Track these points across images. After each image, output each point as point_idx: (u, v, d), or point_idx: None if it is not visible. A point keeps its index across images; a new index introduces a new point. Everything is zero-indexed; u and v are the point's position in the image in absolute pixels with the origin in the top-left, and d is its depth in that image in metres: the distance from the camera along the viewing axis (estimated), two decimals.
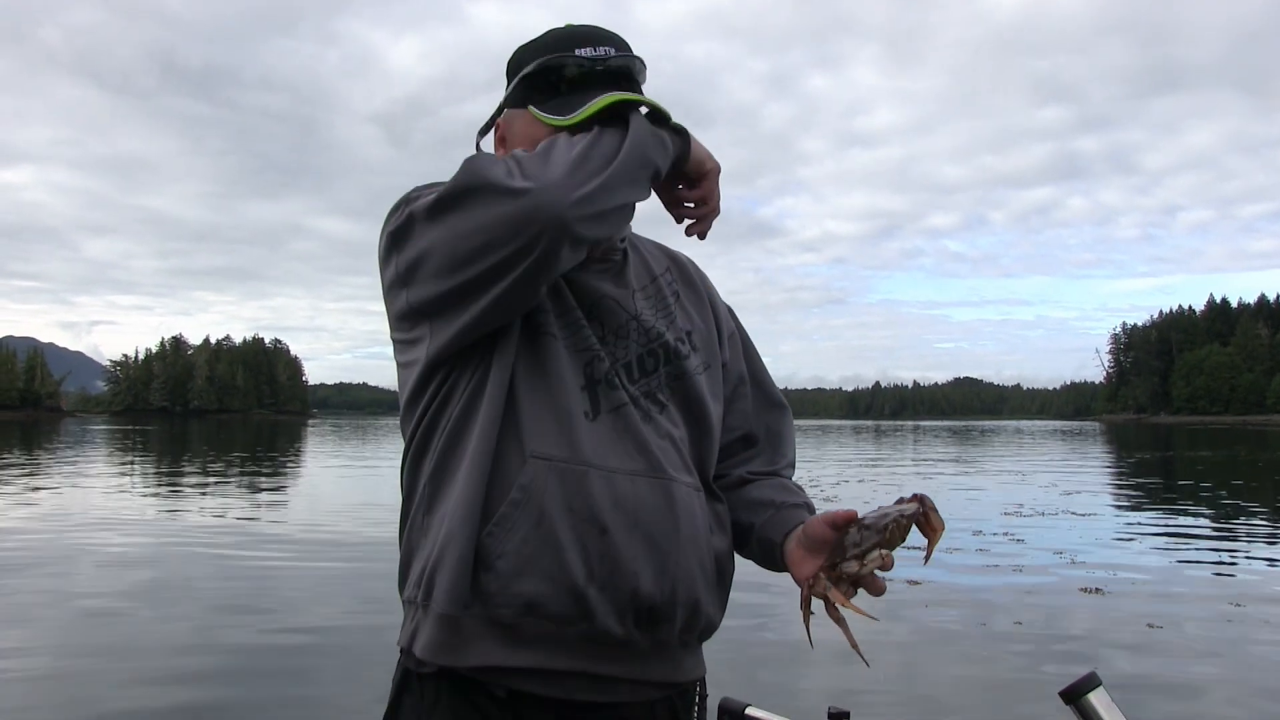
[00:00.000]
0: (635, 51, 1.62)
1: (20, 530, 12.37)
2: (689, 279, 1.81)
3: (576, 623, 1.49)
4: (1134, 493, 19.88)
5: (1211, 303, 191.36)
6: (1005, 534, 12.26)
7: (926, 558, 1.52)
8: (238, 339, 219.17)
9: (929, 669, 6.24)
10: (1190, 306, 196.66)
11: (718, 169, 1.64)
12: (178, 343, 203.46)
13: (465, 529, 1.48)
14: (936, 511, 1.49)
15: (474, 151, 1.70)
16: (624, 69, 1.57)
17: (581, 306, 1.59)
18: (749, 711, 1.84)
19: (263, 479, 22.15)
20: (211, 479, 21.96)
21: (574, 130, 1.50)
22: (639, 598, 1.50)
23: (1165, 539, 12.20)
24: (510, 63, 1.65)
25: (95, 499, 16.69)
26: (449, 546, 1.49)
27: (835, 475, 22.77)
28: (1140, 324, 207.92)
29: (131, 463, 29.58)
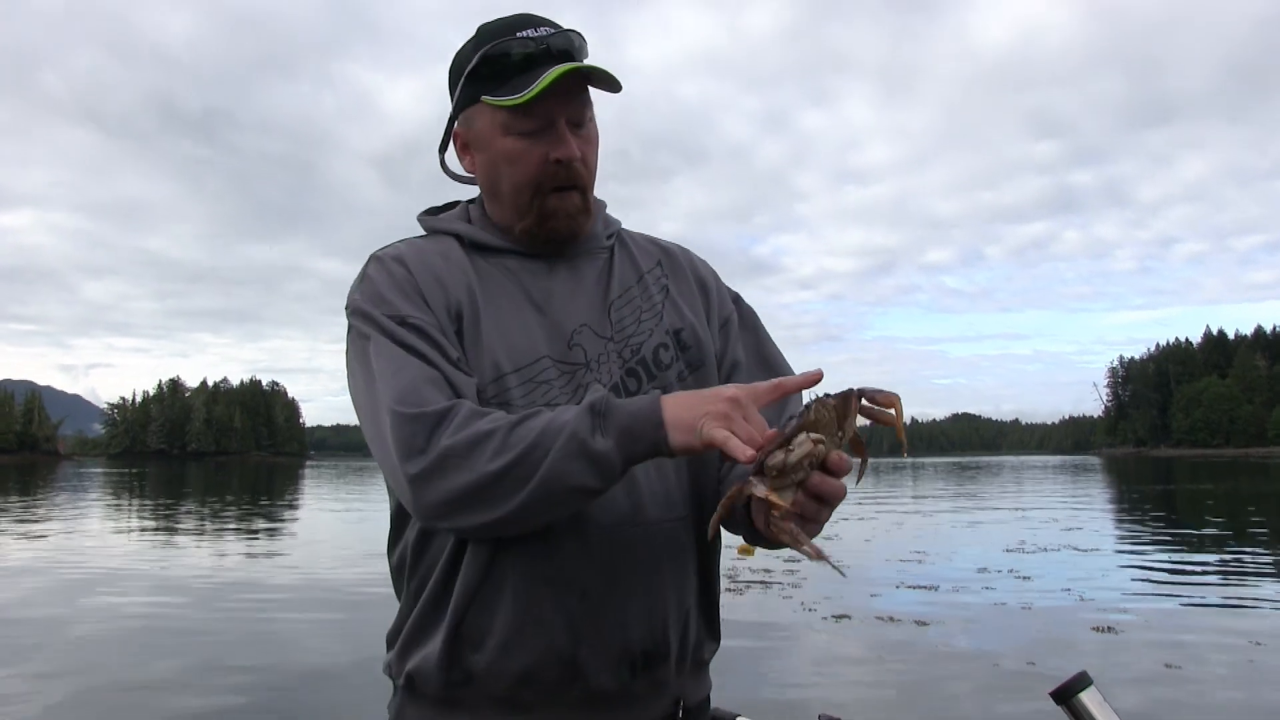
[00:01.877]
0: (597, 54, 1.62)
1: (14, 575, 12.21)
2: (679, 271, 1.75)
3: (571, 685, 1.48)
4: (1137, 527, 19.69)
5: (1209, 334, 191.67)
6: (1010, 571, 12.10)
7: (901, 442, 1.37)
8: (235, 381, 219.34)
9: (933, 694, 6.18)
10: (1187, 338, 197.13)
11: (711, 438, 1.33)
12: (175, 385, 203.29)
13: (444, 615, 1.50)
14: (882, 391, 1.35)
15: (441, 168, 1.72)
16: (566, 46, 1.56)
17: (557, 341, 1.57)
18: None
19: (259, 523, 21.97)
20: (208, 523, 21.80)
21: (531, 110, 1.51)
22: (630, 649, 1.49)
23: (1173, 574, 12.04)
24: (451, 70, 1.64)
25: (90, 543, 16.51)
26: (429, 638, 1.52)
27: (834, 513, 22.55)
28: (1138, 357, 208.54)
29: (128, 507, 29.39)
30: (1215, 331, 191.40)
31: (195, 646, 7.88)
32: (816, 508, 1.34)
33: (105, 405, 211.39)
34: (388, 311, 1.50)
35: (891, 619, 8.62)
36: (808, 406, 1.33)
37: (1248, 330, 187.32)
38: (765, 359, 1.77)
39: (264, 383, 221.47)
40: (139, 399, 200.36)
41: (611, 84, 1.56)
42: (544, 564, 1.46)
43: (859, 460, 1.38)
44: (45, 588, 11.25)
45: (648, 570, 1.50)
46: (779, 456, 1.31)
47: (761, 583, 10.81)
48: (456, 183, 1.73)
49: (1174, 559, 13.68)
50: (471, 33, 1.62)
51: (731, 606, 9.30)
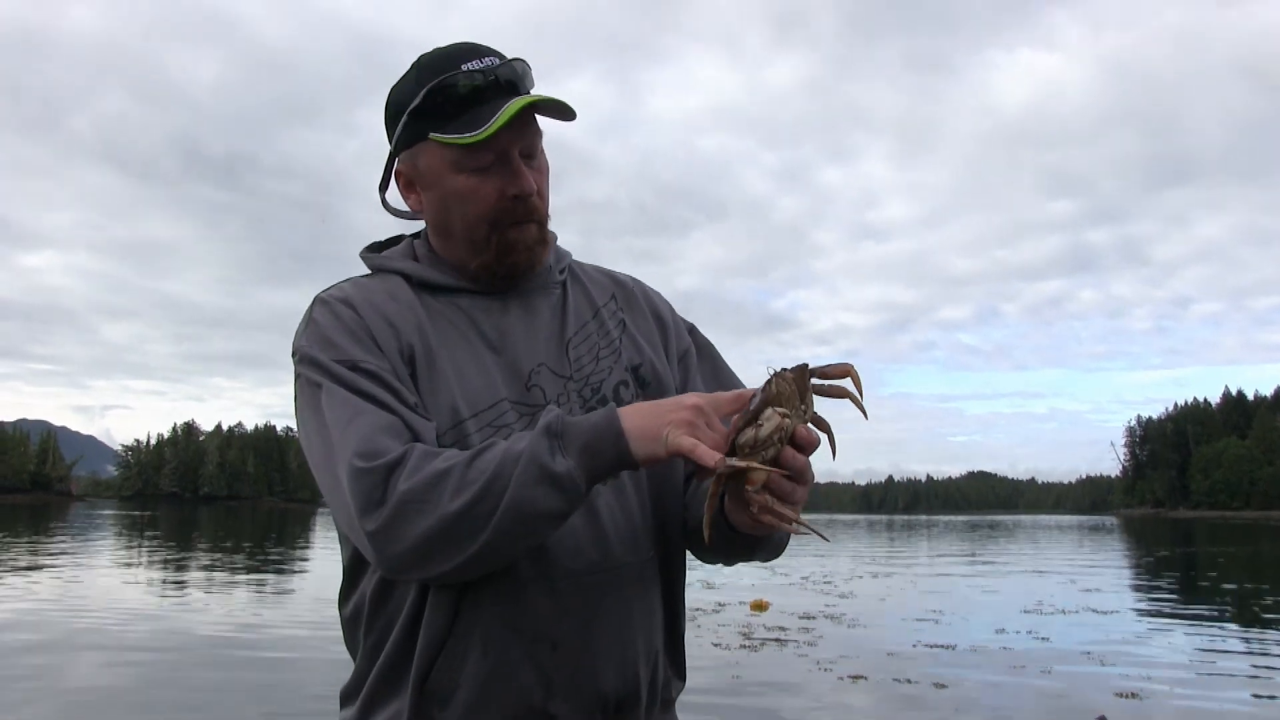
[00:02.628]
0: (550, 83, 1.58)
1: (13, 618, 12.08)
2: (634, 303, 1.72)
3: None
4: (1156, 589, 19.38)
5: (1227, 395, 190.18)
6: (1029, 632, 11.86)
7: (861, 408, 1.37)
8: (249, 426, 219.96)
9: None
10: (1206, 399, 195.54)
11: (678, 446, 1.31)
12: (190, 428, 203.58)
13: (408, 671, 1.43)
14: (834, 363, 1.36)
15: (383, 206, 1.67)
16: (512, 77, 1.51)
17: (515, 383, 1.52)
18: None
19: (269, 569, 21.86)
20: (217, 568, 21.69)
21: (484, 145, 1.46)
22: (603, 696, 1.45)
23: (1194, 638, 11.75)
24: (388, 107, 1.58)
25: (96, 586, 16.41)
26: (393, 695, 1.46)
27: (849, 571, 22.33)
28: (1156, 416, 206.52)
29: (136, 550, 29.33)
30: (1234, 392, 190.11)
31: (178, 695, 7.75)
32: (791, 485, 1.32)
33: (119, 447, 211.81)
34: (337, 357, 1.44)
35: (908, 680, 8.43)
36: (768, 381, 1.32)
37: (1267, 391, 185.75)
38: (726, 389, 1.69)
39: (278, 428, 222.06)
40: (153, 441, 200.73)
41: (565, 113, 1.51)
42: (513, 613, 1.41)
43: (825, 436, 1.36)
44: (42, 632, 11.11)
45: (618, 615, 1.46)
46: (749, 433, 1.30)
47: (776, 640, 10.62)
48: (400, 219, 1.69)
49: (1196, 623, 13.39)
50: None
51: (746, 664, 9.14)
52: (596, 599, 1.44)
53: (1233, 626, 13.10)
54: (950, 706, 7.46)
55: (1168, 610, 15.05)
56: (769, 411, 1.31)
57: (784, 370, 1.33)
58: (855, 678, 8.52)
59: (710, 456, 1.28)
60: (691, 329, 1.78)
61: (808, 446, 1.32)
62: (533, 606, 1.41)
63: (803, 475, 1.32)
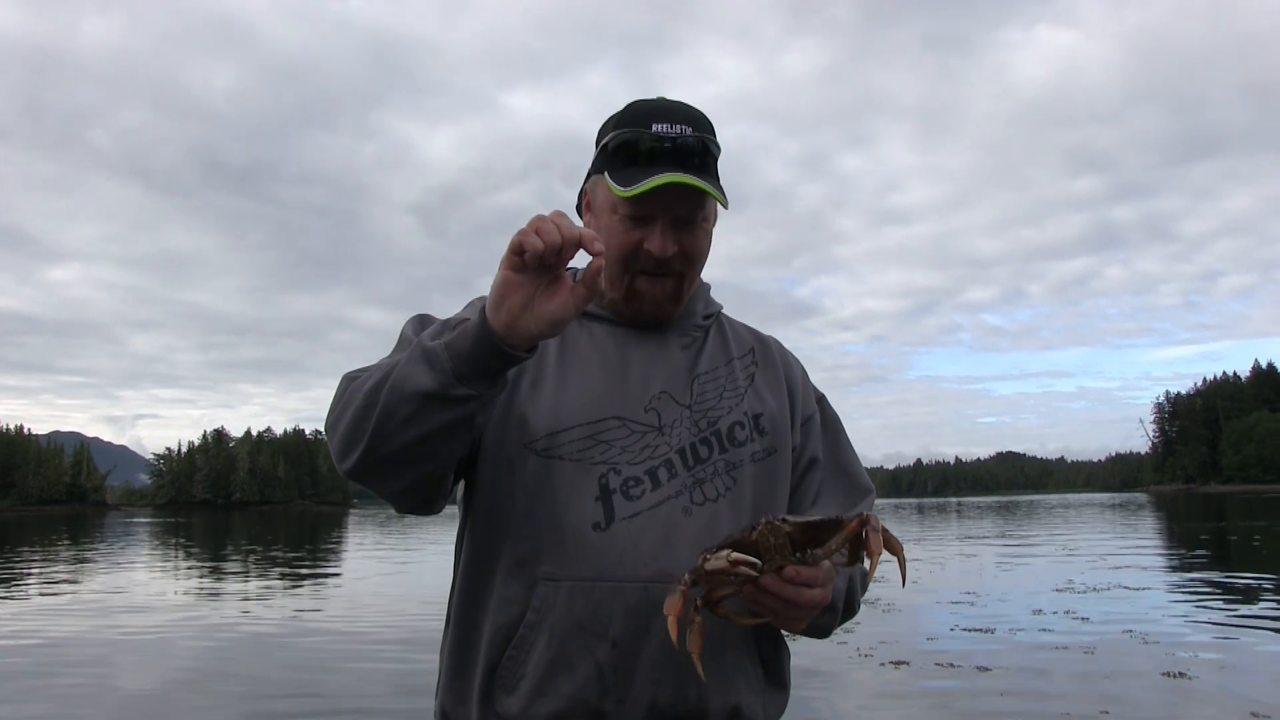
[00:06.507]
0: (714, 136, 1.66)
1: (61, 623, 12.21)
2: (770, 362, 1.81)
3: None
4: (1190, 565, 19.11)
5: (1258, 368, 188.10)
6: (1067, 612, 11.81)
7: (869, 573, 1.46)
8: (279, 430, 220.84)
9: None
10: (1235, 373, 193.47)
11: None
12: (219, 435, 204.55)
13: (479, 656, 1.56)
14: (878, 531, 1.33)
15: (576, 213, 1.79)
16: (693, 147, 1.59)
17: (632, 403, 1.62)
18: None
19: (300, 571, 21.95)
20: (252, 571, 21.82)
21: (634, 201, 1.59)
22: (658, 708, 1.50)
23: (1234, 615, 11.59)
24: (598, 133, 1.73)
25: (135, 591, 16.54)
26: (468, 678, 1.58)
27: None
28: (1185, 392, 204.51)
29: (173, 556, 29.54)
30: (1265, 365, 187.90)
31: (235, 694, 7.81)
32: (774, 602, 1.39)
33: (151, 456, 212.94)
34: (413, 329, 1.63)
35: (951, 664, 8.40)
36: (752, 526, 1.31)
37: None
38: (840, 464, 1.81)
39: (307, 432, 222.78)
40: (184, 450, 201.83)
41: (717, 201, 1.61)
42: (579, 609, 1.49)
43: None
44: (87, 634, 11.21)
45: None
46: (698, 561, 1.33)
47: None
48: None
49: (1233, 599, 13.23)
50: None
51: None
52: (658, 607, 1.45)
53: (1273, 602, 12.97)
54: (996, 690, 7.44)
55: (1202, 586, 14.84)
56: (723, 553, 1.30)
57: (781, 521, 1.30)
58: (897, 664, 8.50)
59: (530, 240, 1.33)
60: (820, 399, 1.86)
61: (796, 582, 1.36)
62: (597, 603, 1.49)
63: (787, 607, 1.39)
